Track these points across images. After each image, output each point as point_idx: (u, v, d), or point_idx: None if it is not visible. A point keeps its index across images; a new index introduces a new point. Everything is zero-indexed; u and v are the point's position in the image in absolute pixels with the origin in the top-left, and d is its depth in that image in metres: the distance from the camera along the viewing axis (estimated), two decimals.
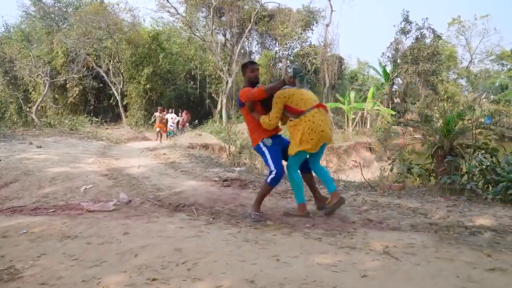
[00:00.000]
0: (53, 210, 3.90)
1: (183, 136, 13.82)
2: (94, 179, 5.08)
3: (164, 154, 8.12)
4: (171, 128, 15.58)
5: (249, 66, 3.64)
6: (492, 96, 41.54)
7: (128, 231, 3.10)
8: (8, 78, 24.58)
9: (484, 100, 38.69)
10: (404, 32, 28.91)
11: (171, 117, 16.08)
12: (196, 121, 20.63)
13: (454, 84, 42.95)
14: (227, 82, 24.37)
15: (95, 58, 24.91)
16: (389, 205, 3.88)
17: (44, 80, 21.19)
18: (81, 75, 23.45)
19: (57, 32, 24.61)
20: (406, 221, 3.32)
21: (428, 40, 28.04)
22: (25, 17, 28.00)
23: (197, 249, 2.60)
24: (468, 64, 47.56)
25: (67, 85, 25.39)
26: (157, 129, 14.35)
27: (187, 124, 19.37)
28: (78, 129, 12.69)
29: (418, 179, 5.39)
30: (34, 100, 23.69)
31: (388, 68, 30.46)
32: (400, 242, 2.71)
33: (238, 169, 6.52)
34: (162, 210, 3.81)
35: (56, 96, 26.39)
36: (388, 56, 31.40)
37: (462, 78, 46.56)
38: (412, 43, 28.36)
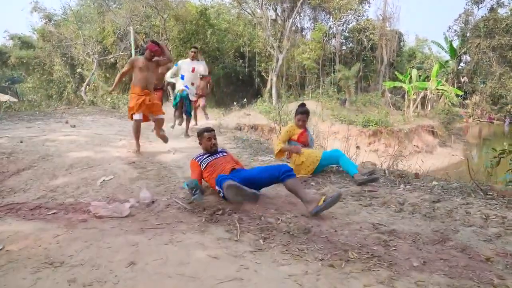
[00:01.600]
0: (53, 212, 2.97)
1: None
2: (117, 168, 4.15)
3: None
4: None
5: (204, 134, 3.50)
6: None
7: (136, 259, 2.06)
8: (65, 58, 25.01)
9: None
10: (476, 1, 25.56)
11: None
12: (245, 100, 19.58)
13: None
14: (277, 60, 22.96)
15: (144, 36, 24.59)
16: None
17: (92, 58, 21.20)
18: (128, 52, 23.19)
19: (108, 11, 24.49)
20: None
21: (502, 11, 24.60)
22: None
23: None
24: None
25: (117, 64, 25.46)
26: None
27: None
28: (120, 107, 12.09)
29: None
30: (87, 79, 23.97)
31: (455, 44, 27.34)
32: None
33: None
34: (192, 220, 2.74)
35: (107, 75, 26.63)
36: (456, 30, 28.22)
37: None
38: (485, 14, 25.05)
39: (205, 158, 3.44)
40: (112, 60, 24.69)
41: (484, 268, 1.95)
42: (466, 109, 28.38)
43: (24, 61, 25.34)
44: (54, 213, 2.96)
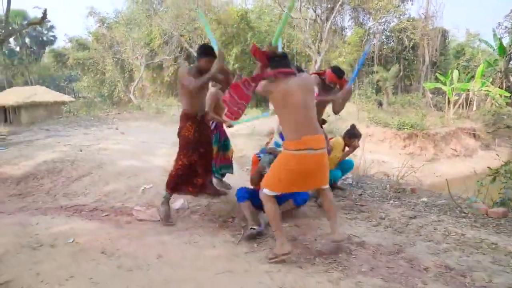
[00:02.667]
0: (106, 214, 3.91)
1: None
2: (156, 177, 5.05)
3: (236, 145, 7.94)
4: None
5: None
6: None
7: (163, 253, 2.89)
8: (115, 60, 27.03)
9: None
10: None
11: None
12: None
13: None
14: (315, 61, 23.40)
15: (188, 39, 25.96)
16: (481, 244, 3.06)
17: (140, 62, 22.76)
18: (173, 56, 24.63)
19: (155, 15, 26.11)
20: (502, 277, 2.53)
21: None
22: (129, 2, 30.24)
23: None
24: None
25: (163, 65, 27.13)
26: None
27: None
28: (164, 112, 13.25)
29: None
30: (135, 79, 25.84)
31: (505, 41, 26.09)
32: None
33: None
34: (209, 225, 3.55)
35: (154, 75, 28.42)
36: (506, 27, 26.90)
37: None
38: None
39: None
40: (158, 61, 26.37)
41: (417, 275, 2.57)
42: None
43: (80, 62, 27.52)
44: (107, 215, 3.90)
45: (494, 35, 26.75)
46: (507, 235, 3.24)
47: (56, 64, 30.44)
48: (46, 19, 10.78)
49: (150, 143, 7.54)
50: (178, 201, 4.04)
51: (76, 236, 3.23)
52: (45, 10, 10.46)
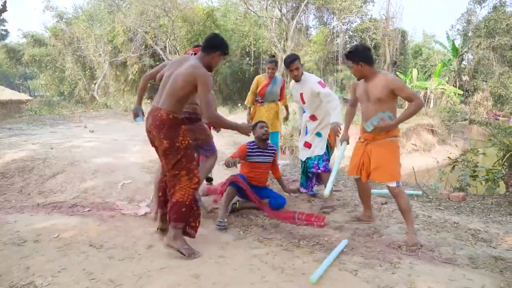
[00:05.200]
0: (88, 209, 3.91)
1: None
2: (134, 173, 5.07)
3: None
4: None
5: (258, 125, 3.99)
6: None
7: (153, 244, 2.97)
8: (76, 57, 26.06)
9: None
10: (478, 1, 26.00)
11: None
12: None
13: None
14: (281, 59, 23.76)
15: (152, 36, 25.51)
16: (445, 224, 3.37)
17: (104, 59, 22.15)
18: (138, 53, 24.17)
19: (118, 11, 25.43)
20: (463, 250, 2.83)
21: (509, 9, 24.98)
22: None
23: (217, 278, 2.38)
24: None
25: (127, 63, 26.49)
26: None
27: None
28: (130, 110, 13.00)
29: (484, 186, 4.70)
30: (98, 77, 25.04)
31: (457, 43, 27.80)
32: (453, 285, 2.28)
33: (282, 162, 6.19)
34: None
35: (117, 73, 27.69)
36: (458, 29, 28.68)
37: None
38: (488, 13, 25.48)
39: (254, 152, 3.86)
40: (122, 59, 25.71)
41: (392, 252, 2.82)
42: (468, 106, 28.89)
43: (37, 59, 26.30)
44: (89, 210, 3.90)
45: (448, 37, 28.44)
46: (466, 215, 3.60)
47: (9, 60, 28.90)
48: (6, 11, 10.25)
49: (122, 141, 7.45)
50: (142, 206, 4.02)
51: (60, 232, 3.23)
52: (5, 2, 9.99)
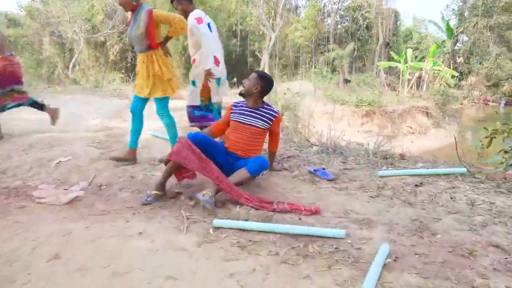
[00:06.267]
0: None
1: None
2: (79, 149, 3.82)
3: (184, 116, 6.78)
4: None
5: None
6: None
7: (61, 251, 1.77)
8: (53, 38, 24.22)
9: None
10: None
11: None
12: (235, 79, 19.10)
13: None
14: (270, 38, 22.38)
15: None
16: None
17: (79, 36, 20.52)
18: (115, 30, 22.54)
19: None
20: None
21: None
22: None
23: None
24: None
25: (107, 43, 24.86)
26: None
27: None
28: (104, 86, 11.62)
29: None
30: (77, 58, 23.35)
31: (452, 23, 26.73)
32: None
33: None
34: (144, 206, 2.44)
35: (97, 54, 26.06)
36: (454, 9, 27.61)
37: None
38: None
39: (238, 109, 2.87)
40: (102, 38, 24.08)
41: (465, 264, 1.67)
42: (461, 90, 28.08)
43: (12, 40, 24.43)
44: None
45: (442, 17, 27.35)
46: None
47: None
48: None
49: (79, 114, 6.17)
50: (74, 189, 2.80)
51: None
52: None
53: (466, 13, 25.04)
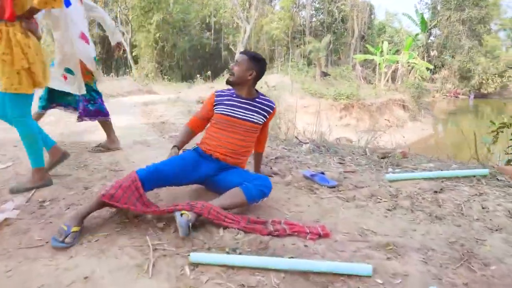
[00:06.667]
0: None
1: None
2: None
3: (157, 110, 6.13)
4: None
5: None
6: None
7: None
8: None
9: None
10: None
11: None
12: (209, 72, 18.43)
13: (495, 36, 38.55)
14: (245, 31, 21.77)
15: (102, 5, 22.66)
16: None
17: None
18: None
19: None
20: None
21: None
22: None
23: None
24: None
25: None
26: None
27: None
28: None
29: None
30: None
31: (425, 17, 26.96)
32: None
33: None
34: (97, 229, 1.84)
35: None
36: (427, 3, 27.85)
37: (505, 30, 41.72)
38: None
39: (228, 99, 2.25)
40: None
41: None
42: (434, 84, 28.48)
43: None
44: None
45: (416, 10, 27.53)
46: None
47: None
48: None
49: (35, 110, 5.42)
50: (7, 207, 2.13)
51: None
52: None
53: (439, 7, 25.21)
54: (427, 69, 23.53)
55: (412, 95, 22.00)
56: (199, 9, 25.00)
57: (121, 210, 1.91)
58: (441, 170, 2.79)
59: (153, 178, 1.90)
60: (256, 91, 2.34)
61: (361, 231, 1.81)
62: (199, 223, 1.81)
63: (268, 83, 17.07)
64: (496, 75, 25.99)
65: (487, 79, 26.03)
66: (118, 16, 23.45)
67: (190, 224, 1.70)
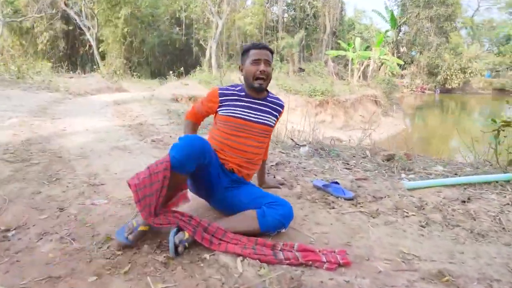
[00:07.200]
0: None
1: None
2: None
3: (132, 110, 5.66)
4: None
5: (251, 52, 1.88)
6: (495, 48, 39.34)
7: None
8: None
9: (486, 52, 36.10)
10: None
11: None
12: (182, 68, 17.81)
13: (458, 34, 39.98)
14: (216, 26, 21.22)
15: None
16: None
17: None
18: (43, 14, 20.13)
19: None
20: None
21: None
22: None
23: None
24: (474, 13, 44.16)
25: (35, 30, 22.21)
26: None
27: None
28: (29, 78, 9.90)
29: None
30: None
31: (395, 13, 27.43)
32: None
33: None
34: (83, 266, 1.47)
35: (23, 42, 23.28)
36: (396, 0, 28.32)
37: (466, 28, 43.34)
38: None
39: (238, 98, 1.90)
40: (28, 24, 21.47)
41: None
42: (402, 79, 29.13)
43: None
44: None
45: (386, 7, 27.96)
46: None
47: None
48: None
49: None
50: None
51: None
52: None
53: (408, 4, 25.68)
54: (398, 65, 23.95)
55: (384, 90, 22.33)
56: (168, 4, 24.24)
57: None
58: (456, 174, 2.59)
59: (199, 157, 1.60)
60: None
61: (402, 256, 1.54)
62: (210, 253, 1.48)
63: (241, 79, 16.78)
64: (459, 71, 26.91)
65: (452, 75, 26.90)
66: (82, 9, 22.29)
67: (186, 244, 1.48)
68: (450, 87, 27.93)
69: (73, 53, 25.71)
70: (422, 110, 25.74)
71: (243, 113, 1.86)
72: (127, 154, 3.09)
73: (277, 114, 1.98)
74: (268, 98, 1.96)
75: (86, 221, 1.82)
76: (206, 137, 2.12)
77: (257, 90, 1.89)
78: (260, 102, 1.91)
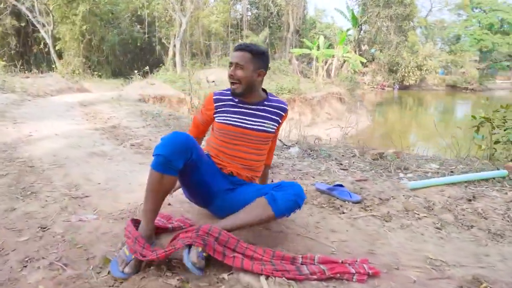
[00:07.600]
0: None
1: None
2: None
3: (102, 112, 5.30)
4: None
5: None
6: (447, 47, 41.70)
7: None
8: None
9: (439, 51, 38.12)
10: None
11: None
12: (147, 67, 17.22)
13: (414, 33, 41.76)
14: (180, 24, 20.73)
15: None
16: None
17: None
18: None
19: None
20: None
21: None
22: None
23: None
24: (427, 14, 46.30)
25: None
26: None
27: None
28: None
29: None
30: None
31: (356, 12, 28.10)
32: None
33: None
34: None
35: None
36: None
37: (420, 28, 45.37)
38: None
39: (232, 104, 1.77)
40: None
41: None
42: (363, 77, 29.98)
43: None
44: None
45: (347, 6, 28.57)
46: None
47: None
48: None
49: None
50: None
51: None
52: None
53: (368, 3, 26.37)
54: (361, 62, 24.58)
55: (347, 88, 22.83)
56: (129, 1, 23.42)
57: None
58: (452, 172, 2.59)
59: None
60: (264, 91, 1.88)
61: (429, 262, 1.47)
62: (228, 272, 1.33)
63: (208, 78, 16.45)
64: (416, 69, 28.14)
65: (409, 72, 28.06)
66: (35, 5, 21.01)
67: (204, 254, 1.36)
68: (407, 84, 29.10)
69: (26, 51, 24.24)
70: (382, 107, 26.56)
71: (238, 120, 1.73)
72: (108, 161, 2.85)
73: (278, 119, 1.83)
74: (267, 102, 1.81)
75: (77, 241, 1.61)
76: (204, 143, 1.98)
77: (232, 95, 1.76)
78: (256, 107, 1.77)
